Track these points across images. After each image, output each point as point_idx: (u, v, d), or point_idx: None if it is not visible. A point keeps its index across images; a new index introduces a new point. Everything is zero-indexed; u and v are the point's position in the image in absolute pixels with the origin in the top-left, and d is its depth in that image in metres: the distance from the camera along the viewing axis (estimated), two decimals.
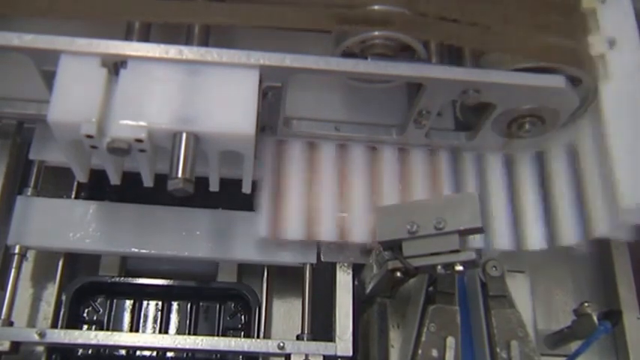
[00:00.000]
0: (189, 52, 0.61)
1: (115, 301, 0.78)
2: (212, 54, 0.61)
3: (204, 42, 0.69)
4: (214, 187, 0.67)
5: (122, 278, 0.77)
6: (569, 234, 0.73)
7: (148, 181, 0.66)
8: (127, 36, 0.68)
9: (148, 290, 0.78)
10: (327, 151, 0.74)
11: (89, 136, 0.57)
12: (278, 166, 0.73)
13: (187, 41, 0.68)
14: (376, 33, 0.65)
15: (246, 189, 0.68)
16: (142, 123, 0.58)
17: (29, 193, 0.73)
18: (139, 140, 0.58)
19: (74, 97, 0.58)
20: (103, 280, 0.76)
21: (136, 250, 0.72)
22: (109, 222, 0.73)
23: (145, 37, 0.68)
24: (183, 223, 0.74)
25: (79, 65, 0.59)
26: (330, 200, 0.72)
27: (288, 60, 0.62)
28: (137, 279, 0.76)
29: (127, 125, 0.58)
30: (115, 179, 0.66)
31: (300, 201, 0.72)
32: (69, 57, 0.59)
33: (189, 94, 0.60)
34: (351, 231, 0.72)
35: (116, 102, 0.59)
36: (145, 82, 0.60)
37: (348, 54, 0.68)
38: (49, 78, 0.60)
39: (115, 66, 0.61)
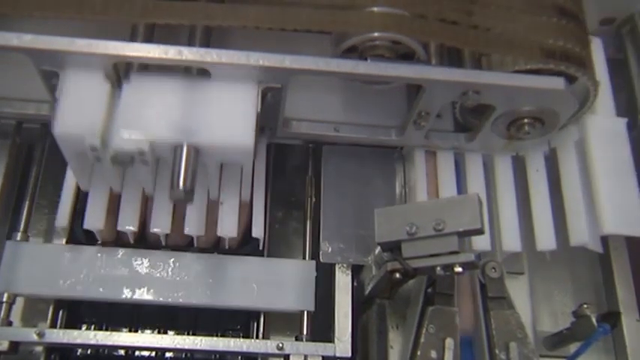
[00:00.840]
0: (188, 53, 0.61)
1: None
2: (212, 55, 0.61)
3: (206, 44, 0.69)
4: (214, 196, 0.68)
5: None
6: (580, 233, 0.73)
7: (149, 192, 0.66)
8: (132, 39, 0.68)
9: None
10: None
11: (94, 149, 0.58)
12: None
13: (189, 43, 0.69)
14: (376, 34, 0.66)
15: (245, 197, 0.68)
16: (144, 135, 0.59)
17: (19, 238, 0.71)
18: (141, 152, 0.59)
19: (79, 111, 0.59)
20: None
21: (128, 296, 0.69)
22: (100, 267, 0.70)
23: (148, 39, 0.69)
24: (177, 269, 0.71)
25: (83, 79, 0.61)
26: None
27: (287, 61, 0.62)
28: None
29: (130, 138, 0.59)
30: (117, 189, 0.67)
31: None
32: (73, 71, 0.60)
33: (189, 107, 0.61)
34: None
35: (119, 115, 0.60)
36: (146, 95, 0.61)
37: (347, 55, 0.68)
38: (48, 78, 0.61)
39: (119, 80, 0.62)
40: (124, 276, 0.70)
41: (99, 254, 0.70)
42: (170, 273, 0.71)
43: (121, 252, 0.71)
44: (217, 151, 0.61)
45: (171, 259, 0.71)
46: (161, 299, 0.70)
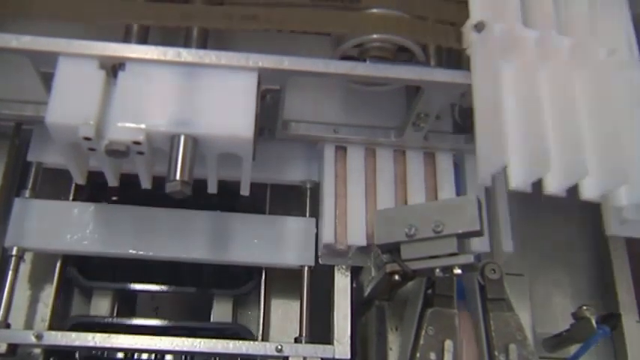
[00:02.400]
0: (187, 55, 0.61)
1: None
2: (210, 56, 0.61)
3: (203, 44, 0.69)
4: (212, 189, 0.67)
5: (115, 319, 0.75)
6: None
7: (146, 184, 0.65)
8: (126, 38, 0.68)
9: (142, 330, 0.75)
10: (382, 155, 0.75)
11: (87, 139, 0.57)
12: (338, 172, 0.73)
13: (186, 44, 0.68)
14: (375, 36, 0.66)
15: (245, 191, 0.67)
16: (140, 125, 0.58)
17: (27, 195, 0.73)
18: (137, 143, 0.58)
19: (72, 100, 0.58)
20: (96, 320, 0.75)
21: (134, 252, 0.72)
22: (107, 224, 0.73)
23: (144, 39, 0.69)
24: (180, 226, 0.73)
25: (77, 67, 0.60)
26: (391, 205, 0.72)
27: (286, 62, 0.62)
28: (131, 319, 0.75)
29: (125, 128, 0.58)
30: (112, 181, 0.66)
31: (361, 206, 0.72)
32: (67, 59, 0.60)
33: (187, 96, 0.60)
34: None
35: (114, 104, 0.59)
36: (143, 84, 0.60)
37: (346, 57, 0.68)
38: (47, 79, 0.60)
39: (114, 68, 0.61)
40: (129, 232, 0.72)
41: (105, 211, 0.73)
42: (174, 230, 0.73)
43: (126, 208, 0.74)
44: (216, 141, 0.60)
45: (175, 216, 0.73)
46: (165, 254, 0.72)
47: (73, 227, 0.72)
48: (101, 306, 0.76)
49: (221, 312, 0.78)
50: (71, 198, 0.76)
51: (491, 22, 0.62)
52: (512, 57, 0.62)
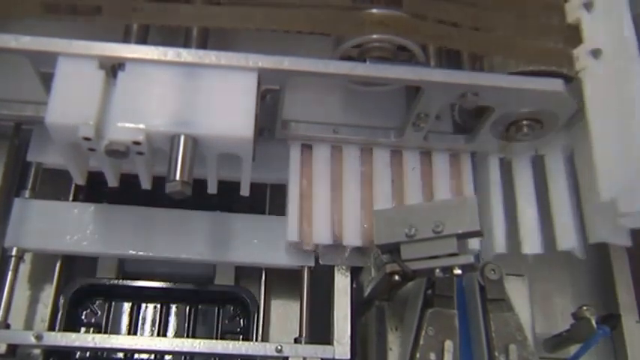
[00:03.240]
0: (187, 55, 0.61)
1: (113, 303, 0.78)
2: (210, 56, 0.61)
3: (203, 44, 0.69)
4: (212, 189, 0.67)
5: (120, 281, 0.77)
6: (567, 239, 0.73)
7: (145, 184, 0.65)
8: (125, 38, 0.68)
9: (146, 293, 0.77)
10: (350, 154, 0.75)
11: (87, 139, 0.57)
12: (303, 171, 0.73)
13: (186, 44, 0.68)
14: (374, 36, 0.66)
15: (244, 192, 0.67)
16: (139, 125, 0.58)
17: (27, 196, 0.73)
18: (137, 143, 0.58)
19: (72, 99, 0.58)
20: (101, 282, 0.76)
21: (134, 252, 0.72)
22: (107, 224, 0.73)
23: (143, 39, 0.69)
24: (180, 226, 0.74)
25: (77, 67, 0.59)
26: (354, 204, 0.72)
27: (286, 63, 0.62)
28: (135, 281, 0.76)
29: (125, 128, 0.58)
30: (112, 182, 0.66)
31: (327, 205, 0.72)
32: (67, 59, 0.60)
33: (187, 96, 0.60)
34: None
35: (114, 104, 0.59)
36: (143, 84, 0.60)
37: (346, 57, 0.68)
38: (46, 80, 0.60)
39: (113, 68, 0.61)
40: (128, 232, 0.72)
41: (104, 211, 0.73)
42: (174, 230, 0.73)
43: (126, 208, 0.73)
44: (216, 141, 0.60)
45: (175, 216, 0.73)
46: (165, 255, 0.72)
47: (73, 228, 0.72)
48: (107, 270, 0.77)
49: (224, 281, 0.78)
50: (71, 198, 0.76)
51: (608, 50, 0.65)
52: (625, 84, 0.65)
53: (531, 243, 0.74)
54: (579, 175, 0.74)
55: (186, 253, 0.73)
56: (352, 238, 0.72)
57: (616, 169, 0.65)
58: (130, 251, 0.72)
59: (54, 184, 0.76)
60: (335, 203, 0.73)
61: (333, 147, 0.75)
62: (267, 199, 0.80)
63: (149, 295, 0.78)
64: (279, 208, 0.77)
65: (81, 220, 0.72)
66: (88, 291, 0.76)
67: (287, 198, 0.73)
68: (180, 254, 0.73)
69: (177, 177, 0.57)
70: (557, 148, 0.76)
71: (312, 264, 0.73)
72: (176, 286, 0.76)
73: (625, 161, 0.64)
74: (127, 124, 0.58)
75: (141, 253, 0.72)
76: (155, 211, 0.74)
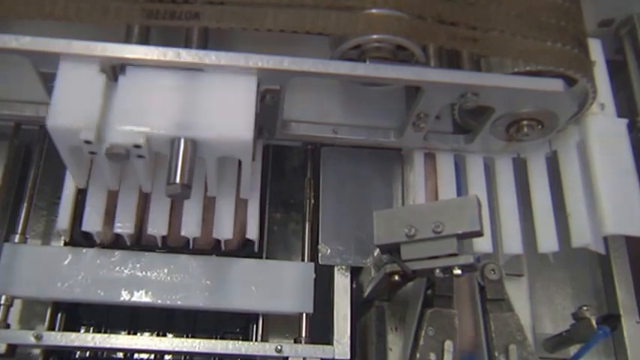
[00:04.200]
0: (187, 55, 0.61)
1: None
2: (210, 57, 0.61)
3: (203, 45, 0.69)
4: (212, 192, 0.67)
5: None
6: (582, 234, 0.73)
7: (146, 188, 0.66)
8: (127, 39, 0.68)
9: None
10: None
11: (88, 142, 0.58)
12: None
13: (186, 44, 0.68)
14: (374, 36, 0.65)
15: (245, 195, 0.68)
16: (140, 129, 0.58)
17: (17, 240, 0.71)
18: (137, 146, 0.58)
19: (73, 103, 0.59)
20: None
21: (127, 299, 0.69)
22: (99, 270, 0.69)
23: (144, 40, 0.69)
24: (175, 271, 0.71)
25: (78, 71, 0.60)
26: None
27: (286, 63, 0.62)
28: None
29: (126, 131, 0.58)
30: (113, 185, 0.66)
31: None
32: (68, 63, 0.60)
33: (187, 100, 0.60)
34: None
35: (115, 108, 0.59)
36: (143, 87, 0.61)
37: (346, 57, 0.68)
38: (47, 80, 0.60)
39: (114, 72, 0.61)
40: (122, 278, 0.69)
41: (97, 256, 0.70)
42: (168, 275, 0.70)
43: (119, 254, 0.70)
44: (215, 145, 0.60)
45: (170, 261, 0.71)
46: (159, 301, 0.69)
47: (64, 274, 0.69)
48: None
49: None
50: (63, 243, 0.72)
51: None
52: None
53: (548, 242, 0.74)
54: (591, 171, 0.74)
55: (182, 301, 0.70)
56: None
57: None
58: (123, 298, 0.69)
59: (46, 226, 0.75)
60: None
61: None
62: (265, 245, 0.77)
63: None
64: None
65: (72, 265, 0.69)
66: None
67: None
68: (175, 302, 0.70)
69: (178, 180, 0.57)
70: (570, 145, 0.76)
71: (311, 311, 0.71)
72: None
73: None
74: (128, 128, 0.58)
75: (134, 299, 0.69)
76: (149, 256, 0.71)
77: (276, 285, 0.71)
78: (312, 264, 0.73)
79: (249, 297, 0.70)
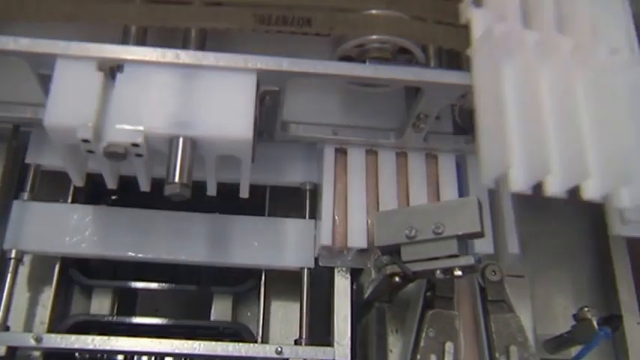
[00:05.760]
0: (185, 56, 0.61)
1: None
2: (209, 58, 0.61)
3: (201, 46, 0.69)
4: (212, 191, 0.67)
5: (116, 317, 0.76)
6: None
7: (144, 186, 0.65)
8: (124, 40, 0.68)
9: (142, 329, 0.76)
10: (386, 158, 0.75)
11: (85, 141, 0.57)
12: (337, 174, 0.74)
13: (184, 45, 0.68)
14: (374, 37, 0.65)
15: (244, 194, 0.67)
16: (138, 127, 0.58)
17: (25, 198, 0.73)
18: (136, 145, 0.58)
19: (70, 101, 0.58)
20: (96, 319, 0.75)
21: (133, 254, 0.72)
22: (105, 226, 0.72)
23: (142, 40, 0.68)
24: (179, 228, 0.73)
25: (75, 69, 0.59)
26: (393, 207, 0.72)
27: (285, 64, 0.62)
28: (131, 318, 0.76)
29: (124, 129, 0.58)
30: (111, 183, 0.66)
31: (361, 208, 0.72)
32: (65, 61, 0.59)
33: (186, 98, 0.60)
34: None
35: (113, 106, 0.59)
36: (141, 86, 0.60)
37: (346, 58, 0.67)
38: (45, 82, 0.60)
39: (112, 70, 0.61)
40: (128, 234, 0.72)
41: (103, 213, 0.73)
42: (174, 232, 0.73)
43: (125, 210, 0.74)
44: (215, 143, 0.60)
45: (175, 218, 0.73)
46: (164, 257, 0.72)
47: (72, 230, 0.72)
48: (101, 306, 0.77)
49: (221, 311, 0.78)
50: (70, 200, 0.76)
51: (493, 23, 0.62)
52: (513, 58, 0.62)
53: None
54: None
55: (186, 255, 0.73)
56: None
57: None
58: (129, 253, 0.72)
59: (53, 186, 0.76)
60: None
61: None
62: (267, 201, 0.80)
63: (147, 331, 0.76)
64: (277, 209, 0.77)
65: (80, 222, 0.72)
66: (83, 325, 0.74)
67: (319, 200, 0.74)
68: (179, 256, 0.72)
69: (177, 179, 0.57)
70: None
71: (312, 265, 0.73)
72: (174, 323, 0.75)
73: None
74: (126, 126, 0.58)
75: (140, 255, 0.72)
76: (154, 213, 0.74)
77: (278, 241, 0.73)
78: (313, 221, 0.75)
79: (251, 253, 0.73)
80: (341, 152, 0.75)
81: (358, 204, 0.73)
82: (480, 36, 0.63)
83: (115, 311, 0.78)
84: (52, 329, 0.72)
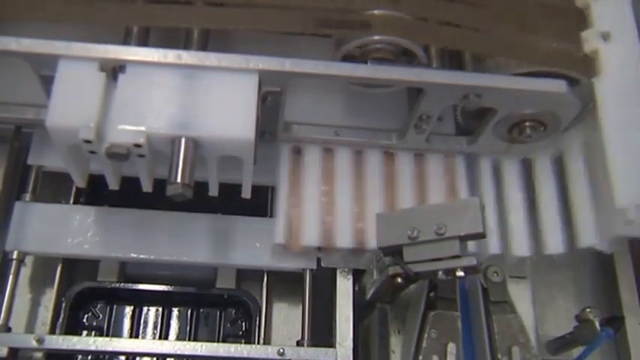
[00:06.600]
0: (187, 57, 0.61)
1: (114, 306, 0.78)
2: (211, 58, 0.61)
3: (203, 46, 0.69)
4: (213, 192, 0.67)
5: (122, 284, 0.77)
6: (587, 236, 0.72)
7: (146, 187, 0.65)
8: (126, 40, 0.68)
9: (147, 296, 0.77)
10: (342, 157, 0.74)
11: (87, 141, 0.57)
12: (293, 173, 0.73)
13: (186, 46, 0.68)
14: (376, 37, 0.65)
15: (246, 194, 0.67)
16: (140, 128, 0.58)
17: (27, 199, 0.73)
18: (138, 145, 0.58)
19: (72, 102, 0.58)
20: (103, 285, 0.76)
21: (135, 255, 0.72)
22: (108, 227, 0.73)
23: (144, 41, 0.68)
24: (182, 228, 0.74)
25: (77, 70, 0.59)
26: (347, 207, 0.72)
27: (287, 64, 0.62)
28: (137, 284, 0.76)
29: (126, 130, 0.58)
30: (113, 184, 0.66)
31: (316, 207, 0.72)
32: (67, 61, 0.59)
33: (188, 98, 0.60)
34: (367, 239, 0.71)
35: (115, 107, 0.59)
36: (143, 86, 0.60)
37: (348, 58, 0.67)
38: (47, 83, 0.60)
39: (114, 70, 0.60)
40: (130, 235, 0.73)
41: (105, 214, 0.73)
42: (176, 232, 0.73)
43: (127, 211, 0.74)
44: (217, 144, 0.60)
45: (177, 219, 0.73)
46: (166, 258, 0.72)
47: (74, 231, 0.72)
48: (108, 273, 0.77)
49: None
50: (72, 201, 0.76)
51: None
52: None
53: (554, 243, 0.73)
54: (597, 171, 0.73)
55: (188, 256, 0.73)
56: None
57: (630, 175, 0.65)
58: (132, 254, 0.72)
59: (55, 187, 0.76)
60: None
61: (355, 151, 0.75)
62: (269, 202, 0.80)
63: (151, 298, 0.78)
64: None
65: (82, 223, 0.72)
66: (89, 294, 0.76)
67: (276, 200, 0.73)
68: (181, 257, 0.73)
69: (179, 179, 0.57)
70: (576, 146, 0.75)
71: (314, 267, 0.73)
72: (177, 290, 0.76)
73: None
74: (128, 127, 0.58)
75: (142, 256, 0.72)
76: (156, 213, 0.74)
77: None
78: None
79: (254, 254, 0.74)
80: (357, 153, 0.75)
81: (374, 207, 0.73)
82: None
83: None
84: (53, 331, 0.72)
